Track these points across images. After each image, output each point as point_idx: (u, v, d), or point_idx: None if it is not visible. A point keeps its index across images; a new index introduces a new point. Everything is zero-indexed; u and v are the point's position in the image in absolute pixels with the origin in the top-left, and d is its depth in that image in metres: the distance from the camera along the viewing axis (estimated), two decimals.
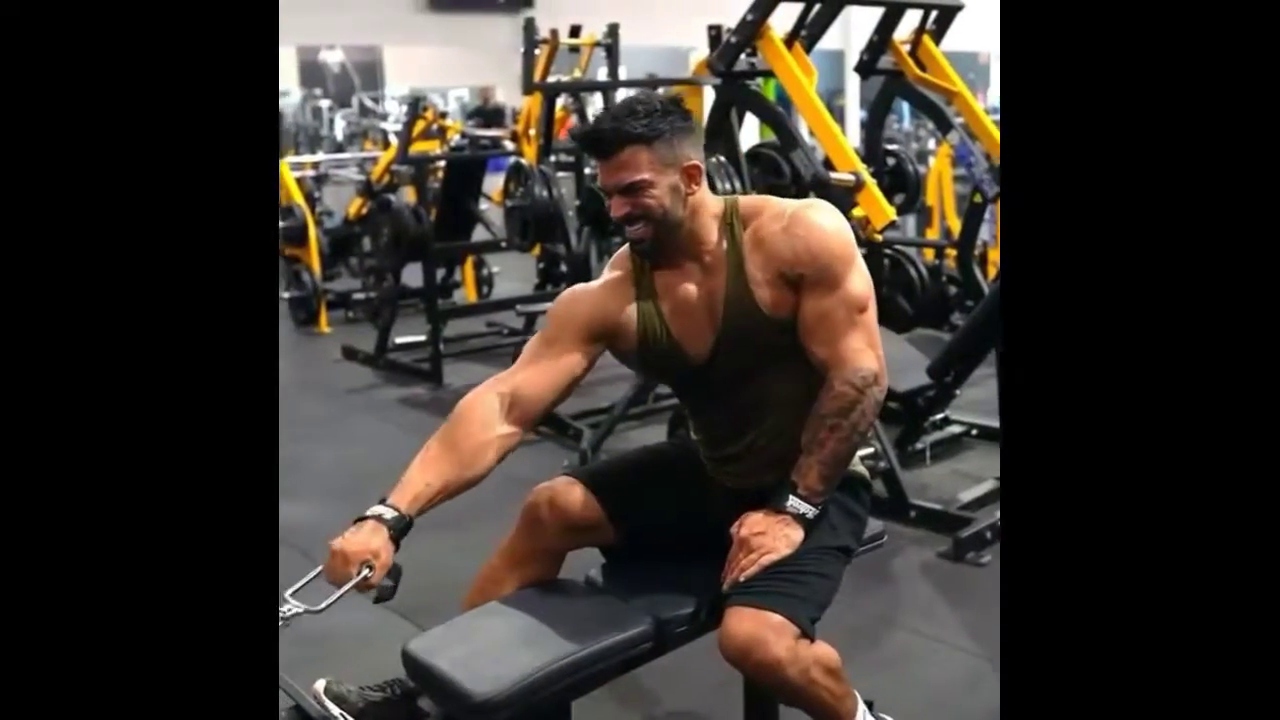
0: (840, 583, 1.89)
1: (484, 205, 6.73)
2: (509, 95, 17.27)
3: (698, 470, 2.05)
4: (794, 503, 1.82)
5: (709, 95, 4.45)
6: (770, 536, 1.80)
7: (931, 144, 8.42)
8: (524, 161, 4.81)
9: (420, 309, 6.92)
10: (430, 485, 1.90)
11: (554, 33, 5.46)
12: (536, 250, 5.96)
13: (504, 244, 5.68)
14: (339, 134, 16.79)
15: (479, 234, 6.81)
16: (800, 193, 4.11)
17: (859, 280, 1.83)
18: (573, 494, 2.03)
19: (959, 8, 4.09)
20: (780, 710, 2.12)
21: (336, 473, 4.37)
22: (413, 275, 6.28)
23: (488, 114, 11.54)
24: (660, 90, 2.46)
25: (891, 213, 3.42)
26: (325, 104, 17.47)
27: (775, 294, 1.83)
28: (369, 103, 16.82)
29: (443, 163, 6.41)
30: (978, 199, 4.14)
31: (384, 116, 15.41)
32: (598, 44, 5.68)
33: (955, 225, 6.29)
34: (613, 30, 5.52)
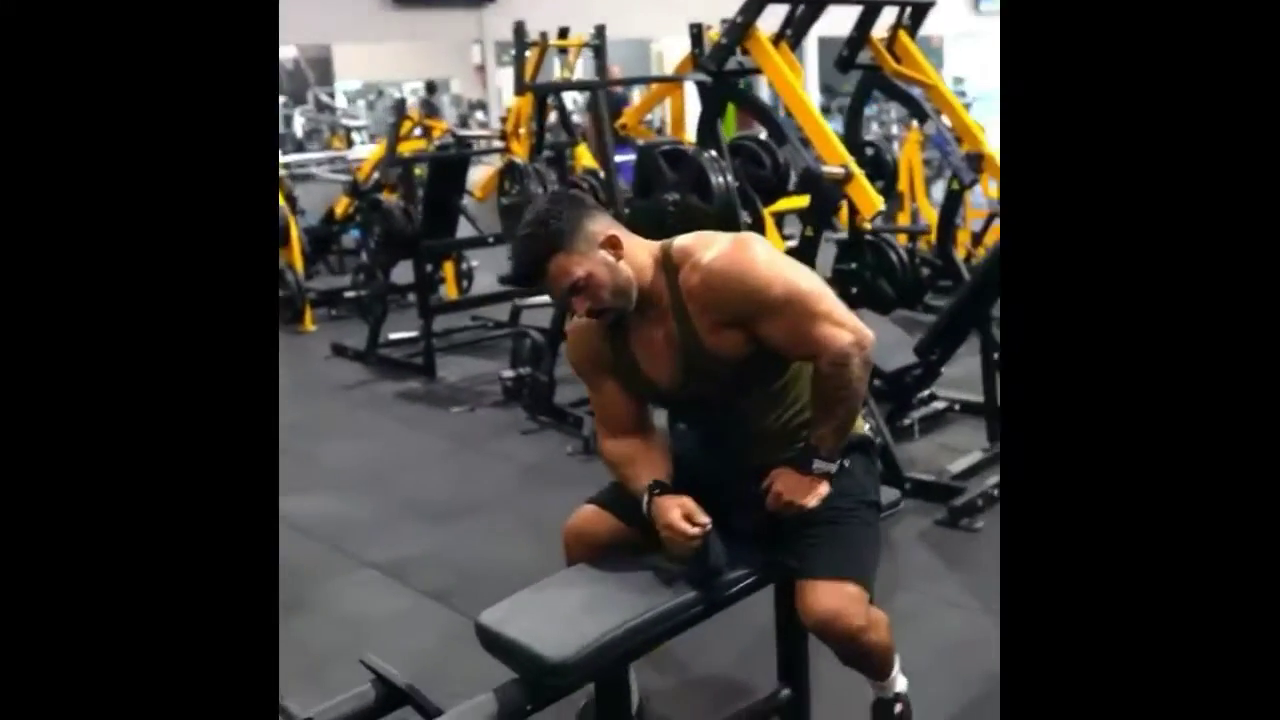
0: (879, 535, 2.10)
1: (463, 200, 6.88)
2: (464, 87, 17.29)
3: (715, 452, 2.19)
4: (818, 464, 2.01)
5: (689, 90, 4.63)
6: (801, 492, 2.00)
7: (895, 130, 8.62)
8: (518, 160, 4.96)
9: (403, 305, 7.06)
10: (657, 467, 2.08)
11: (543, 35, 5.61)
12: None
13: (492, 239, 5.82)
14: (298, 131, 16.73)
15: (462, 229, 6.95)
16: (780, 183, 4.31)
17: (794, 286, 1.92)
18: (597, 523, 2.18)
19: (932, 3, 4.28)
20: (809, 670, 2.32)
21: (349, 466, 4.51)
22: (397, 272, 6.43)
23: (430, 106, 11.85)
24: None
25: (880, 203, 3.60)
26: (281, 100, 17.37)
27: (721, 339, 1.96)
28: (325, 98, 16.77)
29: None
30: (955, 186, 4.35)
31: (334, 111, 15.39)
32: (586, 45, 5.83)
33: (925, 210, 6.52)
34: (600, 31, 5.66)
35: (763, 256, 1.93)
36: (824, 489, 2.02)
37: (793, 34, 3.85)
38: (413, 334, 6.14)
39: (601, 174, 5.86)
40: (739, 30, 3.69)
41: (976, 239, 6.36)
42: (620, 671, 2.09)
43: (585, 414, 4.68)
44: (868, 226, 3.77)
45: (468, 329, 6.72)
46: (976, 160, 4.26)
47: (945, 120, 4.44)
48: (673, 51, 11.84)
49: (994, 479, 3.65)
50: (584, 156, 6.23)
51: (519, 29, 5.41)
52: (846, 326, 1.94)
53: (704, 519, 1.96)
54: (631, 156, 5.18)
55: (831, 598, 1.93)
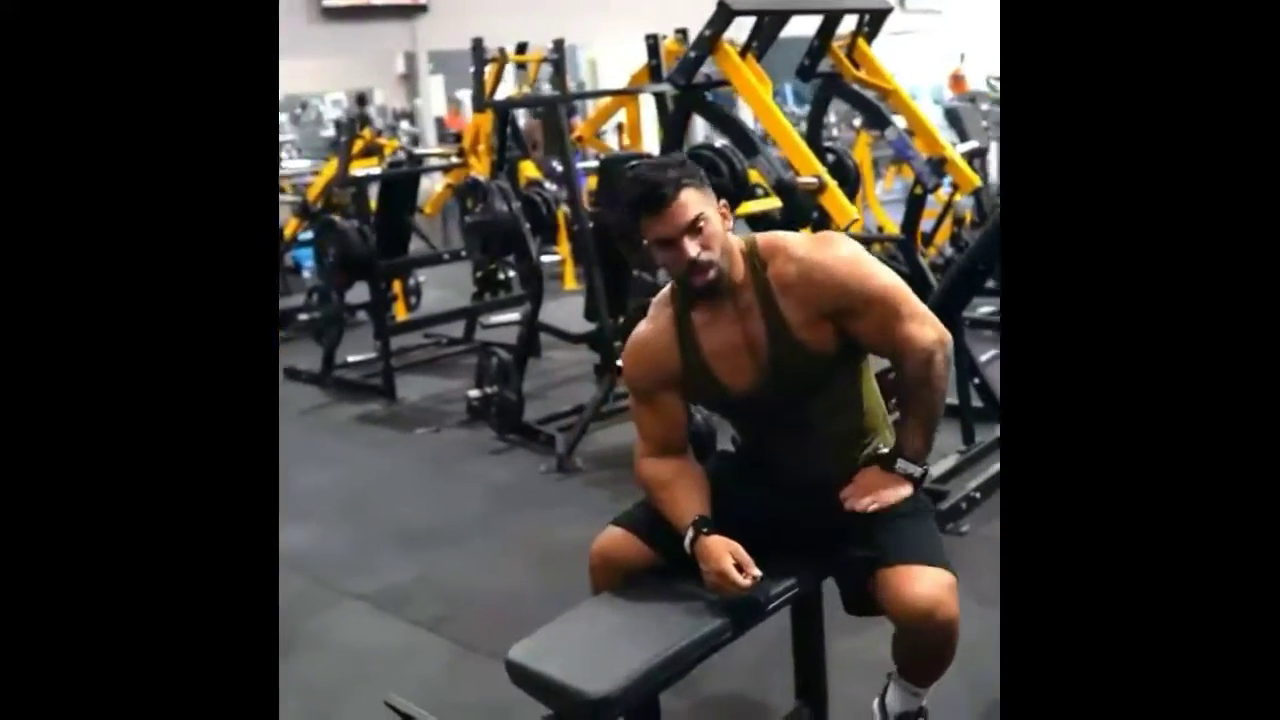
0: None
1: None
2: (389, 97, 17.16)
3: (753, 476, 2.18)
4: (902, 464, 2.04)
5: (645, 102, 4.63)
6: (882, 487, 2.02)
7: (836, 132, 8.69)
8: (480, 178, 4.91)
9: (351, 325, 6.95)
10: (700, 498, 2.07)
11: (502, 50, 5.57)
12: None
13: (447, 256, 5.76)
14: None
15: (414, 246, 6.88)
16: (739, 190, 4.32)
17: (884, 283, 1.97)
18: (623, 546, 2.14)
19: (890, 10, 4.32)
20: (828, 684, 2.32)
21: (319, 494, 4.41)
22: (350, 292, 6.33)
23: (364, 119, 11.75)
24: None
25: (853, 211, 3.63)
26: None
27: (815, 333, 1.98)
28: None
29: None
30: (919, 190, 4.39)
31: None
32: (545, 59, 5.80)
33: (877, 212, 6.58)
34: (558, 46, 5.64)
35: (856, 252, 1.99)
36: (907, 490, 2.03)
37: (759, 45, 3.86)
38: (369, 355, 6.05)
39: (549, 185, 5.87)
40: (707, 43, 3.69)
41: (927, 239, 6.43)
42: (650, 702, 2.07)
43: (556, 431, 4.66)
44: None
45: (422, 347, 6.64)
46: (939, 165, 4.30)
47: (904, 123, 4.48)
48: (606, 60, 11.81)
49: (975, 481, 3.69)
50: (528, 169, 6.20)
51: (477, 45, 5.37)
52: (929, 324, 1.99)
53: (756, 571, 1.95)
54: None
55: (931, 584, 1.89)
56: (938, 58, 15.01)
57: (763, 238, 2.05)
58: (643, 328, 2.13)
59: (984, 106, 7.86)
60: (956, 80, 14.21)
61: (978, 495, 3.62)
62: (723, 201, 2.02)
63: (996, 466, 3.80)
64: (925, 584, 1.89)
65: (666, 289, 2.12)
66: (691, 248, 1.93)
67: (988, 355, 4.91)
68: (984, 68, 14.75)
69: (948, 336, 2.02)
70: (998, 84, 11.29)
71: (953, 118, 6.57)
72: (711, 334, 2.04)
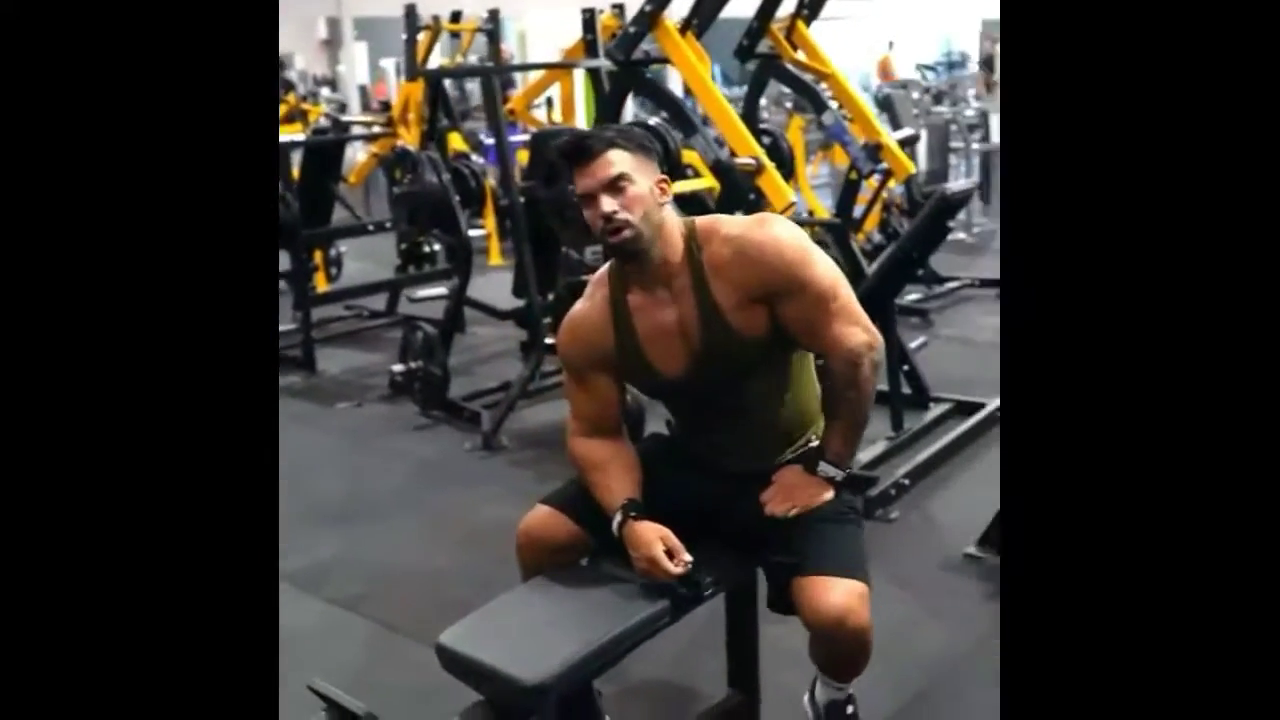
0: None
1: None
2: (310, 63, 16.84)
3: (686, 462, 2.15)
4: (824, 467, 2.01)
5: (578, 77, 4.56)
6: (802, 490, 2.00)
7: (768, 115, 8.66)
8: (410, 147, 4.80)
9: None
10: (631, 481, 2.05)
11: (435, 19, 5.44)
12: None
13: (371, 227, 5.64)
14: None
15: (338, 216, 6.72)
16: (671, 169, 4.27)
17: (821, 273, 1.92)
18: (550, 525, 2.09)
19: None
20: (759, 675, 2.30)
21: None
22: None
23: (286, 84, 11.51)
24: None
25: (790, 194, 3.60)
26: None
27: (745, 316, 1.93)
28: None
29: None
30: (854, 176, 4.38)
31: None
32: (479, 29, 5.68)
33: (809, 196, 6.58)
34: (493, 15, 5.52)
35: (794, 235, 1.94)
36: (828, 495, 2.01)
37: (699, 23, 3.81)
38: (289, 326, 5.90)
39: (476, 159, 5.76)
40: (647, 19, 3.63)
41: (856, 225, 6.45)
42: (586, 688, 2.03)
43: (482, 409, 4.59)
44: None
45: (342, 319, 6.51)
46: (875, 150, 4.30)
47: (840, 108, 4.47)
48: (536, 31, 11.65)
49: (904, 468, 3.70)
50: (455, 141, 6.09)
51: (410, 11, 5.23)
52: (859, 325, 1.95)
53: (686, 556, 1.93)
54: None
55: (843, 595, 1.88)
56: (866, 45, 15.11)
57: (702, 221, 2.00)
58: (578, 306, 2.09)
59: (914, 95, 7.89)
60: (884, 67, 14.32)
61: (906, 482, 3.63)
62: (663, 178, 1.97)
63: (925, 453, 3.83)
64: (838, 594, 1.88)
65: (604, 268, 2.08)
66: (608, 202, 1.89)
67: (917, 342, 4.94)
68: (912, 55, 14.93)
69: (879, 340, 1.97)
70: (929, 72, 11.43)
71: (885, 104, 6.58)
72: (646, 317, 2.00)
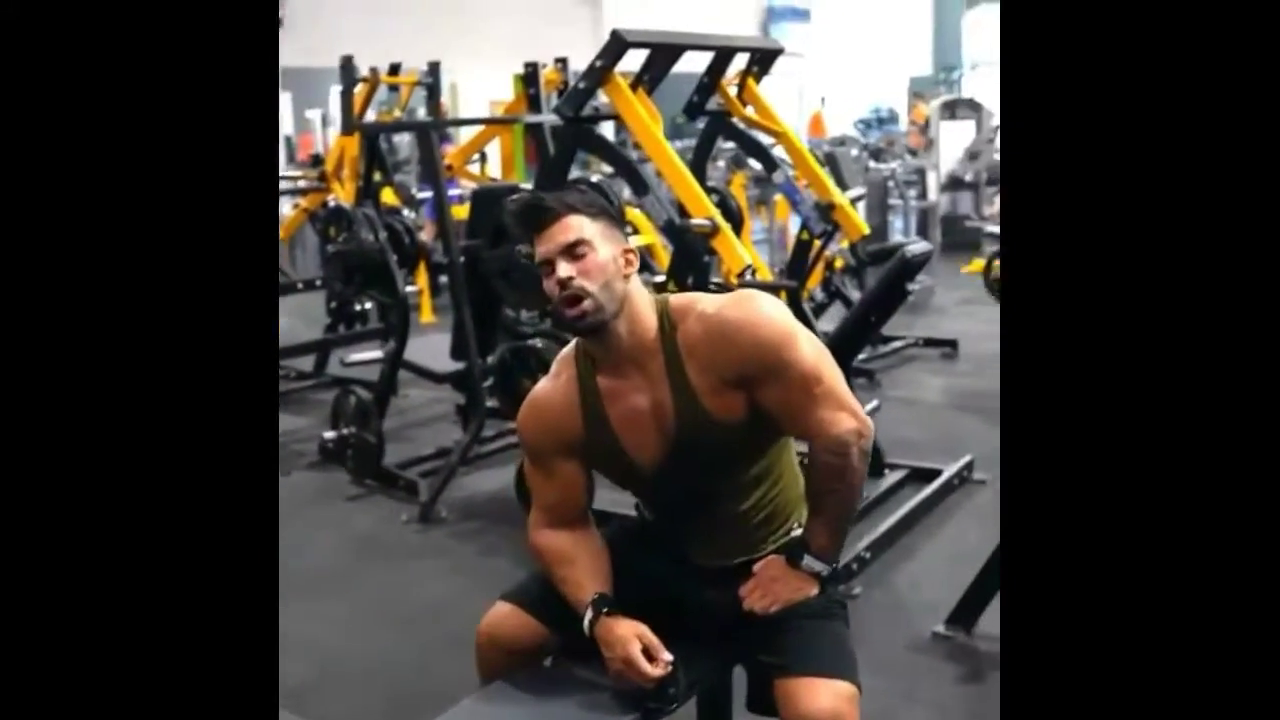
0: None
1: None
2: None
3: (658, 550, 1.99)
4: (809, 561, 1.85)
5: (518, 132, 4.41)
6: (784, 585, 1.85)
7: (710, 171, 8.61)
8: (344, 204, 4.60)
9: None
10: (600, 575, 1.90)
11: (374, 70, 5.26)
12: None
13: (301, 285, 5.43)
14: None
15: None
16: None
17: (803, 353, 1.77)
18: (512, 624, 1.93)
19: (780, 51, 4.21)
20: None
21: None
22: None
23: None
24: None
25: (746, 257, 3.47)
26: None
27: (722, 400, 1.78)
28: None
29: None
30: (805, 236, 4.28)
31: None
32: (419, 83, 5.51)
33: (751, 254, 6.47)
34: (434, 68, 5.36)
35: (772, 312, 1.78)
36: (813, 591, 1.85)
37: (650, 79, 3.69)
38: None
39: (407, 214, 5.57)
40: (597, 74, 3.49)
41: (801, 283, 6.37)
42: None
43: (419, 477, 4.38)
44: (734, 281, 3.62)
45: None
46: (827, 210, 4.20)
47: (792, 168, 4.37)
48: (468, 84, 11.51)
49: (863, 541, 3.56)
50: (387, 195, 5.91)
51: (347, 63, 5.05)
52: (847, 410, 1.79)
53: (667, 656, 1.77)
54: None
55: (831, 699, 1.73)
56: (798, 101, 15.22)
57: (676, 298, 1.85)
58: (543, 385, 1.92)
59: (853, 152, 7.88)
60: (817, 123, 14.42)
61: (867, 555, 3.49)
62: (629, 248, 1.82)
63: (885, 524, 3.69)
64: (826, 698, 1.73)
65: (570, 345, 1.92)
66: (564, 268, 1.74)
67: (870, 406, 4.82)
68: (843, 112, 15.06)
69: (869, 427, 1.80)
70: (864, 128, 11.50)
71: (829, 161, 6.53)
72: (617, 402, 1.83)
